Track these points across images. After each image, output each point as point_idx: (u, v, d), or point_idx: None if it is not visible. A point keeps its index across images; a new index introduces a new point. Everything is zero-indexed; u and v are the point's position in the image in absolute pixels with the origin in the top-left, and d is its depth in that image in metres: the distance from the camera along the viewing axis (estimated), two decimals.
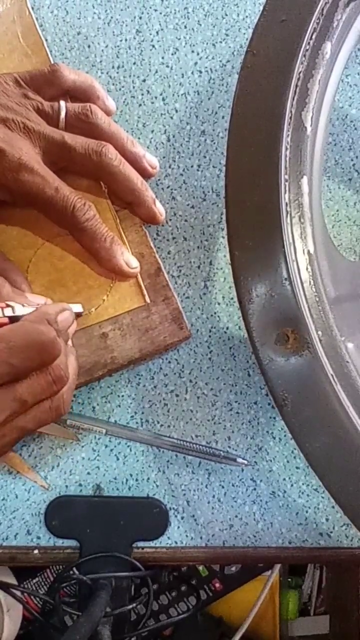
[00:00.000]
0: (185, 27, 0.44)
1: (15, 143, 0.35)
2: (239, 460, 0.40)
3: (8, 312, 0.32)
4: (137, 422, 0.41)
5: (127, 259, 0.38)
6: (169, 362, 0.41)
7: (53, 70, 0.38)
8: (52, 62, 0.42)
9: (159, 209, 0.40)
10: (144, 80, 0.44)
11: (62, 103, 0.37)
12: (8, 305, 0.32)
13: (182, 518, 0.41)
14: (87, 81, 0.39)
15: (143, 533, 0.40)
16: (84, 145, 0.37)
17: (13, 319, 0.31)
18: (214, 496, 0.41)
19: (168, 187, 0.43)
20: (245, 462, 0.40)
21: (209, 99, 0.44)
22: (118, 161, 0.38)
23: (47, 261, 0.39)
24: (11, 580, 0.63)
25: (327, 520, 0.41)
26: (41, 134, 0.36)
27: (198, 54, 0.44)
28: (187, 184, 0.43)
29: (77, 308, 0.38)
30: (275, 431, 0.41)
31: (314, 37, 0.33)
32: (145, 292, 0.40)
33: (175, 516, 0.41)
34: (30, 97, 0.37)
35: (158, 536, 0.40)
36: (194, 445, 0.40)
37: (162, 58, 0.44)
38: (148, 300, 0.40)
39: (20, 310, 0.32)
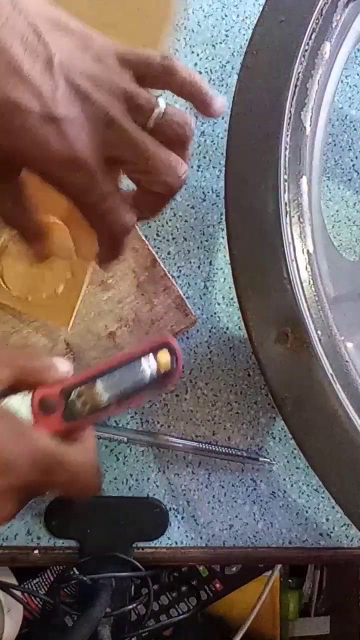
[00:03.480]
0: (185, 28, 0.44)
1: (79, 133, 0.28)
2: (262, 459, 0.40)
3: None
4: (137, 422, 0.41)
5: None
6: None
7: (165, 63, 0.29)
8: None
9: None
10: None
11: (162, 102, 0.29)
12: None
13: (182, 518, 0.41)
14: (197, 83, 0.30)
15: (143, 533, 0.40)
16: (166, 161, 0.29)
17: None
18: (214, 496, 0.41)
19: None
20: (268, 460, 0.40)
21: None
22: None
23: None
24: (11, 580, 0.63)
25: (327, 520, 0.41)
26: (121, 129, 0.28)
27: (198, 54, 0.44)
28: (187, 185, 0.43)
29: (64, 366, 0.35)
30: (275, 431, 0.41)
31: (313, 37, 0.33)
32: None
33: (175, 516, 0.41)
34: (126, 83, 0.29)
35: (158, 536, 0.40)
36: (217, 447, 0.40)
37: None
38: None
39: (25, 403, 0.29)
